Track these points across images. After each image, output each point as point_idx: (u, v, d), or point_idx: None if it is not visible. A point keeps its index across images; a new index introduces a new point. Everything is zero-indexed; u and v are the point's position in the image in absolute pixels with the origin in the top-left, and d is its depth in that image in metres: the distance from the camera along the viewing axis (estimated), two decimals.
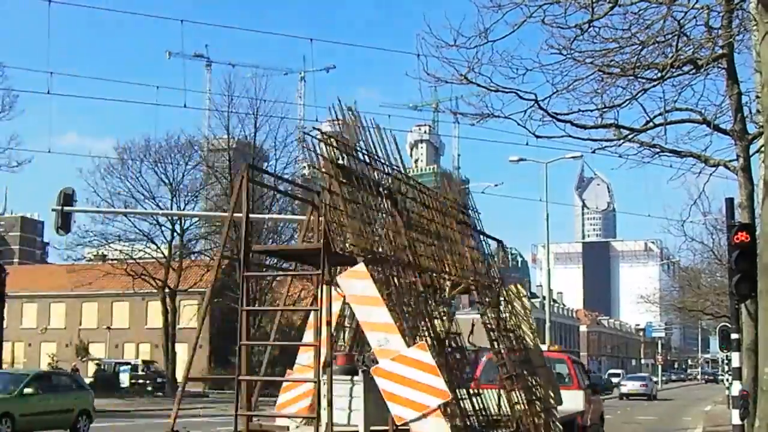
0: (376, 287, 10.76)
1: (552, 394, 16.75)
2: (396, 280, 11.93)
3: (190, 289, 70.07)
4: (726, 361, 51.94)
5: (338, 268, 11.62)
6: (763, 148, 18.99)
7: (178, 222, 67.88)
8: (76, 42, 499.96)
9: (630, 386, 78.78)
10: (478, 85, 18.90)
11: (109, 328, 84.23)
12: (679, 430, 36.25)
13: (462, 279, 14.73)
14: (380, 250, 12.16)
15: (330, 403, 10.79)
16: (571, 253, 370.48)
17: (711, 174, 21.33)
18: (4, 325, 66.29)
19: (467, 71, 18.49)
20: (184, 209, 66.73)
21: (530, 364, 16.09)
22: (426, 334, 12.24)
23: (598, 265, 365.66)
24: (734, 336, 20.29)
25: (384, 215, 12.85)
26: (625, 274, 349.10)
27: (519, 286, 18.29)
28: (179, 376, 71.37)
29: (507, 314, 16.36)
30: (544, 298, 74.33)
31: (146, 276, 67.43)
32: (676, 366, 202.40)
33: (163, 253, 69.14)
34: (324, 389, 10.93)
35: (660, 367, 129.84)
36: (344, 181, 11.81)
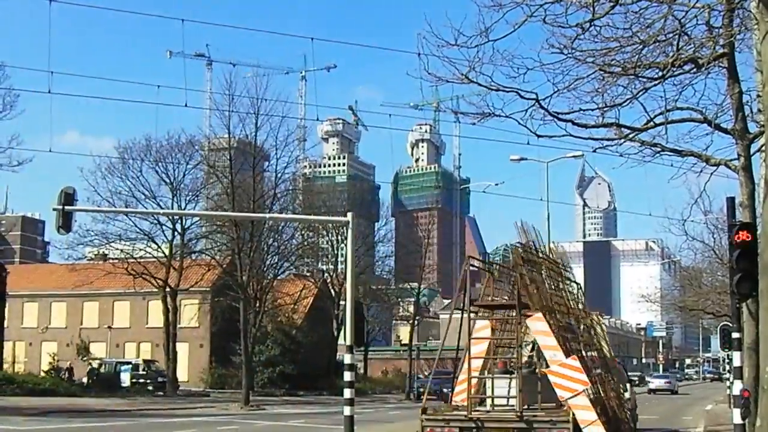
0: (547, 325, 19.59)
1: (622, 387, 27.51)
2: (552, 320, 20.31)
3: (191, 289, 70.11)
4: (727, 361, 51.99)
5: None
6: (764, 147, 18.99)
7: (179, 221, 67.87)
8: (77, 41, 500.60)
9: (657, 383, 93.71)
10: (479, 85, 18.92)
11: (110, 327, 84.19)
12: (680, 430, 36.18)
13: (574, 313, 24.01)
14: (545, 304, 20.59)
15: (492, 391, 21.00)
16: (572, 252, 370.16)
17: (712, 173, 21.32)
18: (5, 325, 66.44)
19: (468, 70, 18.52)
20: (184, 208, 66.71)
21: (608, 367, 25.05)
22: (574, 349, 20.99)
23: (599, 265, 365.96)
24: (735, 335, 20.24)
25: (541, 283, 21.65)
26: (626, 273, 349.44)
27: (598, 316, 30.81)
28: (180, 375, 71.46)
29: (593, 334, 25.96)
30: None
31: (147, 275, 67.43)
32: (677, 365, 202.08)
33: (163, 253, 69.15)
34: (489, 383, 21.24)
35: (661, 366, 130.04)
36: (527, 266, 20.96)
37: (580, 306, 25.93)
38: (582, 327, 24.19)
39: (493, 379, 20.96)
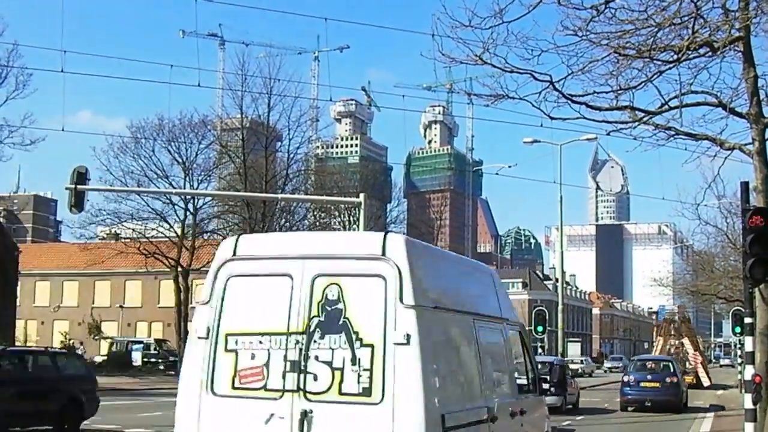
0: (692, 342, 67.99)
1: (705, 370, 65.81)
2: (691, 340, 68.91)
3: (202, 268, 70.14)
4: (739, 346, 51.96)
5: None
6: None
7: (191, 201, 67.95)
8: (89, 20, 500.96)
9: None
10: (493, 66, 18.82)
11: (121, 306, 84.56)
12: (691, 413, 36.18)
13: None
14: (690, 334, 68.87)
15: None
16: (585, 235, 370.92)
17: (726, 157, 21.22)
18: (18, 304, 66.69)
19: (482, 52, 18.43)
20: (197, 188, 66.79)
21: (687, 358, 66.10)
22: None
23: (612, 248, 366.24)
24: (748, 320, 20.14)
25: None
26: (638, 256, 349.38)
27: (687, 322, 72.67)
28: None
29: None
30: (556, 280, 74.22)
31: (159, 255, 67.60)
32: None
33: (175, 232, 69.29)
34: None
35: None
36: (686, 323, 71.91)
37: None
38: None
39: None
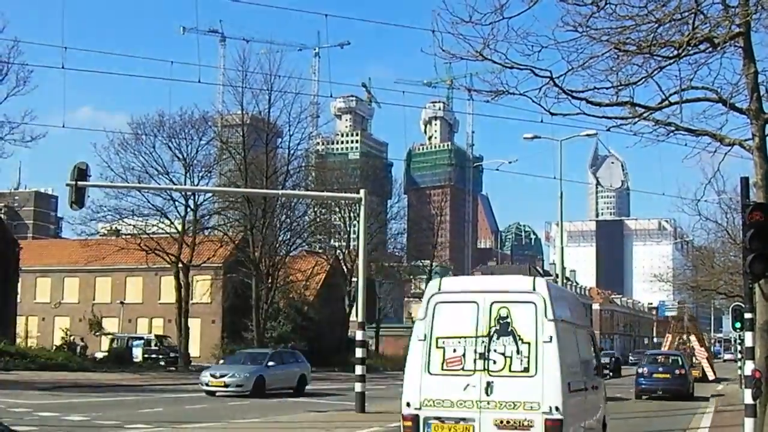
0: (698, 339, 76.19)
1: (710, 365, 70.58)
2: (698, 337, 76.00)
3: (203, 265, 70.16)
4: (739, 341, 52.08)
5: None
6: None
7: (192, 197, 67.84)
8: (90, 16, 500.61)
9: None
10: (493, 62, 18.87)
11: (122, 302, 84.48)
12: (691, 409, 36.23)
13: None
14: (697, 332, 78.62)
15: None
16: (585, 231, 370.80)
17: (726, 153, 21.21)
18: (18, 300, 66.76)
19: (482, 48, 18.47)
20: (197, 184, 66.78)
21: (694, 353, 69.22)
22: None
23: (612, 244, 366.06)
24: (748, 315, 20.17)
25: None
26: (638, 252, 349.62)
27: (694, 320, 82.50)
28: (192, 350, 71.67)
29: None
30: (557, 276, 74.21)
31: (160, 251, 67.56)
32: None
33: (176, 228, 69.23)
34: None
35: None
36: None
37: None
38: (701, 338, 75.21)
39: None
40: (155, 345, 70.78)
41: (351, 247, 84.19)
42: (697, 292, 76.93)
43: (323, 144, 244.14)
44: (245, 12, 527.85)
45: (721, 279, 59.02)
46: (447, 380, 14.44)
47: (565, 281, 63.07)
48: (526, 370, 14.02)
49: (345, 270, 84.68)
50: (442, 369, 14.50)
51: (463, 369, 14.35)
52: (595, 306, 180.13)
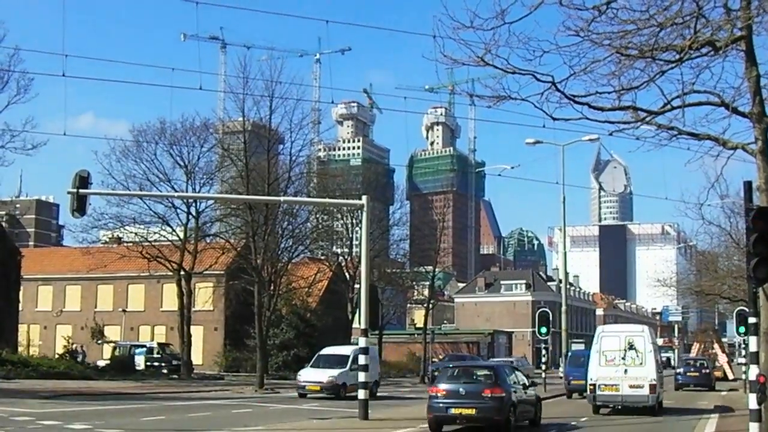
0: (720, 348, 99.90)
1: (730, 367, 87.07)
2: (720, 347, 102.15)
3: (205, 272, 70.07)
4: (743, 346, 51.91)
5: None
6: None
7: (194, 204, 67.81)
8: (91, 24, 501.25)
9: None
10: (495, 67, 18.84)
11: (124, 310, 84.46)
12: (696, 413, 36.19)
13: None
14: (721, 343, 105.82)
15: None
16: (588, 236, 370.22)
17: (729, 157, 21.18)
18: (20, 308, 66.66)
19: (484, 53, 18.46)
20: (199, 192, 66.67)
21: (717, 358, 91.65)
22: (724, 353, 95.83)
23: (615, 249, 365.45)
24: (752, 320, 20.09)
25: None
26: (641, 257, 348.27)
27: (716, 332, 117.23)
28: (195, 358, 71.56)
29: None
30: (560, 281, 74.22)
31: (161, 258, 67.51)
32: (692, 350, 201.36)
33: (178, 236, 69.18)
34: None
35: (676, 351, 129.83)
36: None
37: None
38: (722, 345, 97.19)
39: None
40: (157, 353, 70.76)
41: (353, 254, 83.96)
42: (700, 297, 76.86)
43: (325, 150, 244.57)
44: (246, 19, 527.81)
45: (725, 283, 58.96)
46: (607, 369, 33.87)
47: (568, 286, 62.96)
48: (641, 364, 33.57)
49: (347, 276, 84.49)
50: (605, 363, 34.04)
51: (614, 364, 33.88)
52: (599, 311, 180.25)
